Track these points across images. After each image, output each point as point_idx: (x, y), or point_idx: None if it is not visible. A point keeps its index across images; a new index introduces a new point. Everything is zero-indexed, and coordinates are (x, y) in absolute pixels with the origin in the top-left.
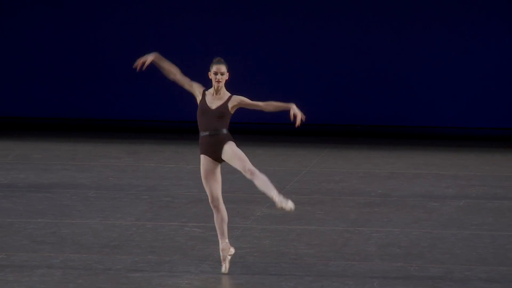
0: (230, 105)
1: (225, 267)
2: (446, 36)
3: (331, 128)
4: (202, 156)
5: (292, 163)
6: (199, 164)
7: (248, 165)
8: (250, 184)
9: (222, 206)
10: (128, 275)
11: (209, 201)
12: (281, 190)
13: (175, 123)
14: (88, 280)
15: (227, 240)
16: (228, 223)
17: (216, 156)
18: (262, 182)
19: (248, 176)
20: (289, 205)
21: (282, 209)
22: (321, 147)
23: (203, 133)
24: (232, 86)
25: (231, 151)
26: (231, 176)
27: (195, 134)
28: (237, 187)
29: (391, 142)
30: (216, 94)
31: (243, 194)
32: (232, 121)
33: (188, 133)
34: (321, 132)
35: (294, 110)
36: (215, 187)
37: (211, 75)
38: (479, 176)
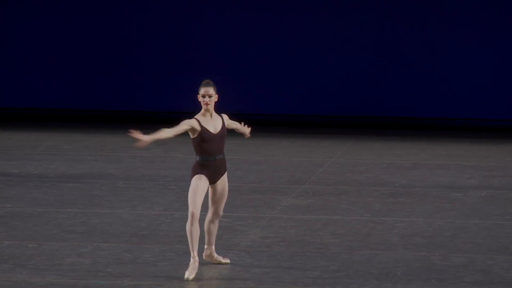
0: (229, 127)
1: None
2: (469, 28)
3: (355, 120)
4: (202, 176)
5: (318, 154)
6: (227, 155)
7: (222, 210)
8: (276, 174)
9: (198, 216)
10: (156, 264)
11: (191, 211)
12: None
13: None
14: (116, 269)
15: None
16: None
17: (214, 179)
18: (211, 231)
19: (214, 215)
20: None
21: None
22: (346, 138)
23: (212, 158)
24: (257, 81)
25: (224, 191)
26: (257, 167)
27: None
28: (263, 177)
29: (414, 133)
30: (209, 117)
31: (269, 185)
32: (258, 112)
33: None
34: (346, 123)
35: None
36: (200, 200)
37: (200, 98)
38: (501, 167)
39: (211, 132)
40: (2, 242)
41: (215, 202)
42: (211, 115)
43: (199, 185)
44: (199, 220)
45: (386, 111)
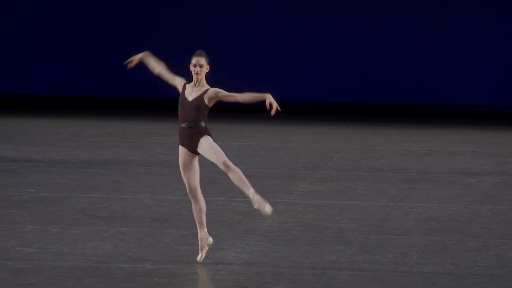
0: (206, 98)
1: (201, 256)
2: (484, 16)
3: (372, 107)
4: (180, 147)
5: (335, 141)
6: (246, 141)
7: (224, 157)
8: (294, 160)
9: (200, 196)
10: (176, 248)
11: (187, 191)
12: (257, 190)
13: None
14: (138, 253)
15: (205, 230)
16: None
17: (192, 148)
18: (238, 178)
19: (223, 168)
20: (266, 209)
21: (258, 209)
22: (362, 125)
23: (181, 124)
24: (274, 68)
25: (207, 145)
26: (275, 153)
27: (242, 112)
28: (281, 163)
29: (430, 120)
30: (195, 86)
31: (287, 170)
32: (276, 99)
33: (235, 112)
34: (363, 111)
35: (270, 99)
36: (192, 177)
37: (191, 68)
38: None
39: (185, 98)
40: (26, 226)
41: (211, 157)
42: (199, 85)
43: (182, 163)
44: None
45: (402, 98)
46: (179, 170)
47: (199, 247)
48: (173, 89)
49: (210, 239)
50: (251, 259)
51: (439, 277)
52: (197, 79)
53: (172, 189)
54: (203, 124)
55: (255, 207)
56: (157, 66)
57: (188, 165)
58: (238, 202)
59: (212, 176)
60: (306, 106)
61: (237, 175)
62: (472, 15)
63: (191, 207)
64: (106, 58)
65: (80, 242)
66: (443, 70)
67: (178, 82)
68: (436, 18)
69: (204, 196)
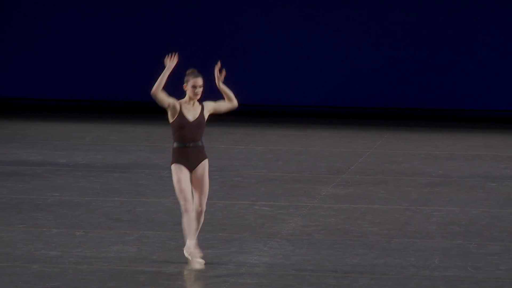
0: (205, 114)
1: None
2: (504, 20)
3: (394, 111)
4: (177, 166)
5: (357, 145)
6: (268, 146)
7: (204, 204)
8: (316, 164)
9: (192, 209)
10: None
11: (182, 204)
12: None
13: (246, 106)
14: (161, 256)
15: (194, 241)
16: (203, 224)
17: (191, 166)
18: (198, 224)
19: (196, 207)
20: (196, 262)
21: (188, 257)
22: (384, 129)
23: (180, 145)
24: (297, 73)
25: (204, 178)
26: (298, 157)
27: (264, 117)
28: (304, 167)
29: (451, 124)
30: (192, 106)
31: (309, 174)
32: (299, 104)
33: (257, 116)
34: (385, 115)
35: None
36: (188, 192)
37: (188, 88)
38: None
39: (187, 119)
40: (50, 230)
41: (196, 191)
42: (193, 104)
43: (180, 178)
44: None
45: (423, 102)
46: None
47: (186, 254)
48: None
49: (198, 254)
50: (274, 263)
51: (461, 280)
52: (196, 99)
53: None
54: (201, 143)
55: (186, 255)
56: (159, 88)
57: (186, 181)
58: (261, 205)
59: (235, 180)
60: (329, 110)
61: (200, 222)
62: (493, 19)
63: (213, 210)
64: (131, 63)
65: (104, 246)
66: (465, 75)
67: (173, 102)
68: (458, 22)
69: (227, 200)
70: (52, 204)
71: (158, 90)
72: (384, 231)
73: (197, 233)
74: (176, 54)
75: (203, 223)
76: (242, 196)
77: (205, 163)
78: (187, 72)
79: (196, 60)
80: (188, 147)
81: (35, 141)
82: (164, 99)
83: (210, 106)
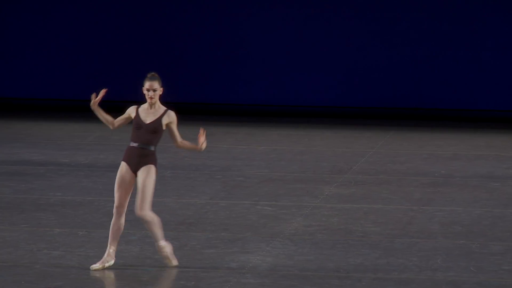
0: (164, 121)
1: (98, 266)
2: (507, 21)
3: (396, 111)
4: (123, 164)
5: (359, 145)
6: (271, 145)
7: (144, 209)
8: (319, 164)
9: (124, 215)
10: (202, 251)
11: (115, 206)
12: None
13: (248, 106)
14: None
15: (114, 248)
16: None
17: (136, 168)
18: (152, 226)
19: (136, 211)
20: (173, 260)
21: (163, 254)
22: (387, 129)
23: (132, 144)
24: (300, 73)
25: (149, 178)
26: (300, 157)
27: (267, 117)
28: (306, 167)
29: (454, 124)
30: (150, 108)
31: (312, 174)
32: (302, 104)
33: (260, 116)
34: (387, 115)
35: (201, 147)
36: (124, 196)
37: (144, 91)
38: None
39: (142, 121)
40: (53, 229)
41: (137, 194)
42: (154, 107)
43: (120, 177)
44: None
45: (426, 102)
46: (205, 173)
47: (103, 260)
48: (202, 93)
49: (113, 261)
50: (276, 263)
51: (463, 280)
52: (151, 103)
53: (198, 192)
54: (153, 148)
55: (163, 253)
56: (108, 120)
57: (124, 183)
58: (263, 205)
59: (237, 180)
60: (331, 110)
61: (151, 225)
62: (496, 20)
63: (217, 210)
64: (134, 63)
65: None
66: (468, 75)
67: (129, 111)
68: (460, 24)
69: (229, 200)
70: (54, 204)
71: (112, 125)
72: (386, 231)
73: (153, 233)
74: (103, 91)
75: (159, 224)
76: (245, 196)
77: (149, 168)
78: (147, 75)
79: (199, 59)
80: (137, 148)
81: (37, 141)
82: (123, 119)
83: (169, 120)
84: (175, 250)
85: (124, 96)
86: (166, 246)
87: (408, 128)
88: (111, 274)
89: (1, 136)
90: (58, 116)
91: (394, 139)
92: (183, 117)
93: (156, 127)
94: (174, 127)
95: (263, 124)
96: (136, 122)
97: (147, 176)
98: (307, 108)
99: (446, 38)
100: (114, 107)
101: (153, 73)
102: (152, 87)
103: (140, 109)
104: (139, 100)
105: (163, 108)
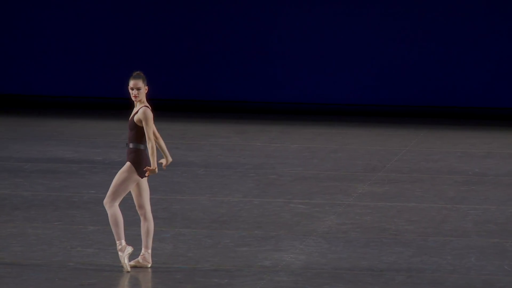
0: (135, 118)
1: (127, 265)
2: None
3: (430, 109)
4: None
5: (393, 143)
6: (304, 144)
7: (107, 198)
8: (352, 162)
9: (149, 216)
10: (235, 249)
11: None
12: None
13: (281, 104)
14: (197, 254)
15: (149, 251)
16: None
17: None
18: (112, 221)
19: (105, 202)
20: (124, 259)
21: (121, 255)
22: (420, 127)
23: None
24: (333, 71)
25: (116, 176)
26: (334, 155)
27: (300, 115)
28: (340, 165)
29: (488, 123)
30: (135, 106)
31: (345, 172)
32: (335, 102)
33: (293, 114)
34: (421, 113)
35: (164, 163)
36: (137, 196)
37: (129, 90)
38: None
39: (128, 120)
40: (86, 227)
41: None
42: (137, 105)
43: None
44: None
45: (460, 100)
46: (239, 171)
47: (136, 261)
48: (235, 91)
49: (148, 265)
50: (310, 261)
51: (497, 278)
52: (135, 101)
53: (231, 190)
54: (141, 146)
55: (121, 255)
56: (156, 138)
57: (133, 183)
58: (297, 203)
59: (271, 178)
60: (365, 108)
61: (110, 218)
62: None
63: (250, 208)
64: (166, 61)
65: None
66: (502, 72)
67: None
68: (493, 22)
69: (263, 198)
70: (88, 201)
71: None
72: (420, 229)
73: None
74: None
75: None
76: (278, 194)
77: (125, 166)
78: (132, 74)
79: (232, 58)
80: (126, 147)
81: (71, 139)
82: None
83: (138, 118)
84: (208, 248)
85: (163, 94)
86: (124, 248)
87: (442, 126)
88: (144, 272)
89: (35, 134)
90: (92, 114)
91: (427, 137)
92: (219, 114)
93: (132, 124)
94: (144, 125)
95: (296, 122)
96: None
97: (120, 171)
98: (341, 106)
99: (480, 35)
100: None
101: (138, 71)
102: (136, 86)
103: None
104: (173, 97)
105: (142, 105)
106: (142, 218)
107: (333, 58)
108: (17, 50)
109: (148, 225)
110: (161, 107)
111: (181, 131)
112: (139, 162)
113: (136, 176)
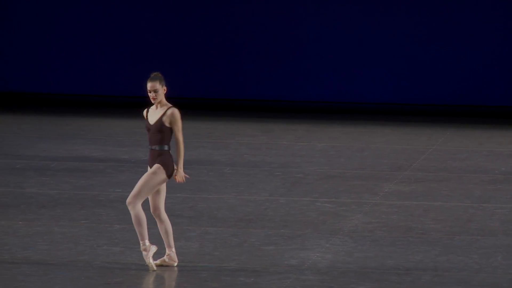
0: (165, 120)
1: (152, 265)
2: None
3: (456, 108)
4: (148, 167)
5: (419, 142)
6: (330, 142)
7: (136, 197)
8: (378, 161)
9: (164, 216)
10: (262, 248)
11: (151, 210)
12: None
13: (307, 103)
14: (223, 252)
15: (173, 249)
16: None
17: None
18: (134, 220)
19: (127, 201)
20: (149, 259)
21: (145, 255)
22: (447, 126)
23: (149, 146)
24: (359, 70)
25: (147, 174)
26: (360, 154)
27: (326, 114)
28: (366, 164)
29: None
30: (156, 108)
31: (371, 171)
32: (361, 101)
33: (320, 113)
34: (447, 112)
35: (175, 174)
36: (153, 198)
37: (148, 93)
38: None
39: (149, 123)
40: (113, 225)
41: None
42: (157, 107)
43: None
44: (168, 218)
45: (486, 99)
46: (265, 170)
47: (161, 261)
48: (259, 89)
49: (175, 264)
50: (336, 259)
51: None
52: (155, 103)
53: (258, 189)
54: (162, 147)
55: (145, 254)
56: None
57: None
58: (323, 202)
59: (297, 176)
60: (391, 107)
61: (133, 220)
62: None
63: (276, 207)
64: (193, 60)
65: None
66: None
67: (144, 114)
68: None
69: (289, 197)
70: (114, 200)
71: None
72: (446, 228)
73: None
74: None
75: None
76: (304, 192)
77: (156, 167)
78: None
79: (258, 57)
80: (152, 150)
81: (97, 138)
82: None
83: (169, 118)
84: (234, 247)
85: (190, 92)
86: (148, 248)
87: (468, 126)
88: (170, 271)
89: (62, 133)
90: (118, 112)
91: (454, 136)
92: (245, 113)
93: (159, 127)
94: (174, 126)
95: (322, 121)
96: (146, 125)
97: (149, 172)
98: (367, 105)
99: (507, 34)
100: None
101: (155, 73)
102: (153, 88)
103: (149, 111)
104: (207, 96)
105: (166, 106)
106: (158, 220)
107: (361, 57)
108: (45, 49)
109: (165, 226)
110: (188, 106)
111: (208, 130)
112: (168, 164)
113: (165, 178)
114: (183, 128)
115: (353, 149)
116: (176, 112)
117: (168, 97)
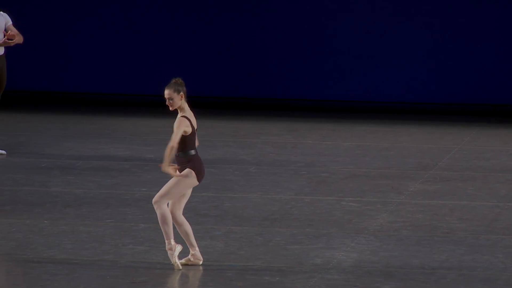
0: (174, 126)
1: (177, 264)
2: None
3: (482, 107)
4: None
5: (445, 141)
6: (356, 141)
7: (158, 197)
8: (404, 160)
9: (181, 218)
10: (287, 247)
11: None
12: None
13: (334, 102)
14: (249, 252)
15: (197, 248)
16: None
17: None
18: (160, 219)
19: (154, 201)
20: (174, 258)
21: (171, 254)
22: (473, 125)
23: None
24: (385, 69)
25: (174, 178)
26: (385, 153)
27: (352, 113)
28: (391, 163)
29: None
30: (187, 112)
31: (397, 170)
32: (387, 100)
33: (345, 112)
34: (473, 111)
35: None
36: (174, 202)
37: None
38: None
39: (193, 127)
40: (138, 224)
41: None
42: (186, 110)
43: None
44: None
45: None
46: (290, 169)
47: (186, 259)
48: (284, 88)
49: (199, 261)
50: (361, 259)
51: None
52: (172, 110)
53: (283, 188)
54: (192, 152)
55: (171, 253)
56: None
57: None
58: (348, 201)
59: (322, 175)
60: (417, 106)
61: (160, 217)
62: None
63: (301, 206)
64: (219, 59)
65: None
66: None
67: (186, 126)
68: None
69: (314, 196)
70: (140, 199)
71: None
72: (472, 227)
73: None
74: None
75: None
76: (330, 191)
77: (186, 171)
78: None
79: (284, 56)
80: (179, 156)
81: (123, 136)
82: (180, 135)
83: (175, 124)
84: (259, 246)
85: (215, 91)
86: (174, 247)
87: (494, 125)
88: (195, 270)
89: (87, 132)
90: (143, 111)
91: (479, 135)
92: (271, 112)
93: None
94: (174, 129)
95: (347, 120)
96: (194, 129)
97: (180, 175)
98: (392, 104)
99: None
100: (199, 103)
101: (175, 79)
102: (168, 96)
103: (190, 119)
104: (232, 95)
105: (180, 114)
106: (176, 224)
107: (385, 56)
108: (70, 49)
109: (184, 228)
110: (213, 105)
111: (233, 129)
112: (199, 168)
113: (195, 182)
114: (208, 127)
115: (378, 148)
116: (178, 119)
117: (194, 97)
